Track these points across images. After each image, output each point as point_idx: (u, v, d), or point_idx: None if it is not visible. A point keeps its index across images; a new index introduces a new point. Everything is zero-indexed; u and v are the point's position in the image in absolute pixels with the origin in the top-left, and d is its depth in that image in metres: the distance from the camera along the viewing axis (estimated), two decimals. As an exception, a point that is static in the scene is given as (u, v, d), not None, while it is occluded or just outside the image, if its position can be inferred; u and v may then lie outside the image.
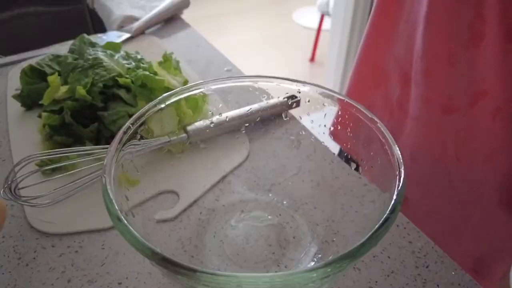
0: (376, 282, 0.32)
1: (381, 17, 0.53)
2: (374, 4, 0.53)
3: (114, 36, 0.66)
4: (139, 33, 0.68)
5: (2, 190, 0.34)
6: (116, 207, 0.23)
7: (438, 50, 0.44)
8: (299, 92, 0.33)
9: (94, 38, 0.61)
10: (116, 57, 0.49)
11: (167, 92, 0.32)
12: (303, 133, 0.38)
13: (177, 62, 0.52)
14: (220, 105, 0.38)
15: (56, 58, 0.50)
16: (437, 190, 0.50)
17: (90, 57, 0.46)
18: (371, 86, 0.59)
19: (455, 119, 0.46)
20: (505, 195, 0.44)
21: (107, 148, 0.33)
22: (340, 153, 0.37)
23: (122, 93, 0.44)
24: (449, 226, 0.45)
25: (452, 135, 0.47)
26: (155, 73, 0.46)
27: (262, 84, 0.34)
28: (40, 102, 0.46)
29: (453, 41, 0.42)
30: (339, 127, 0.33)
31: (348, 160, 0.35)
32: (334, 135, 0.33)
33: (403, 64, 0.50)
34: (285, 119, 0.38)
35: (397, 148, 0.27)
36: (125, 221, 0.22)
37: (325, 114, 0.33)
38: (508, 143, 0.42)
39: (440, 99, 0.46)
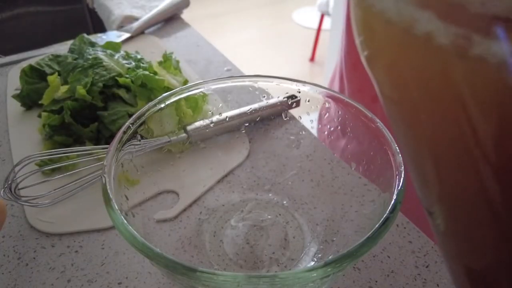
0: (376, 282, 0.32)
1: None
2: None
3: (114, 36, 0.66)
4: (139, 33, 0.68)
5: (2, 190, 0.34)
6: (116, 207, 0.23)
7: None
8: (299, 92, 0.33)
9: (94, 38, 0.61)
10: (116, 57, 0.49)
11: (167, 92, 0.32)
12: (303, 133, 0.38)
13: (177, 62, 0.52)
14: (220, 105, 0.38)
15: (56, 58, 0.50)
16: None
17: (90, 57, 0.46)
18: None
19: (380, 106, 0.48)
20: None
21: (107, 148, 0.33)
22: None
23: (122, 93, 0.44)
24: None
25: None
26: (155, 73, 0.46)
27: (262, 84, 0.34)
28: (40, 102, 0.46)
29: None
30: (338, 127, 0.33)
31: None
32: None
33: (339, 61, 0.53)
34: (285, 119, 0.38)
35: (397, 148, 0.27)
36: (125, 221, 0.22)
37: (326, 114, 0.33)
38: None
39: (369, 90, 0.48)
